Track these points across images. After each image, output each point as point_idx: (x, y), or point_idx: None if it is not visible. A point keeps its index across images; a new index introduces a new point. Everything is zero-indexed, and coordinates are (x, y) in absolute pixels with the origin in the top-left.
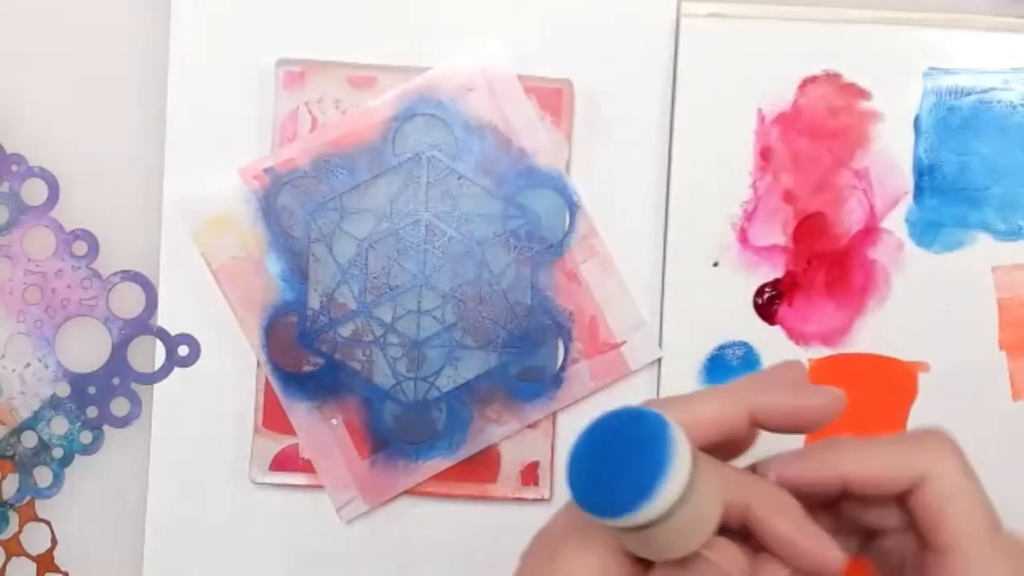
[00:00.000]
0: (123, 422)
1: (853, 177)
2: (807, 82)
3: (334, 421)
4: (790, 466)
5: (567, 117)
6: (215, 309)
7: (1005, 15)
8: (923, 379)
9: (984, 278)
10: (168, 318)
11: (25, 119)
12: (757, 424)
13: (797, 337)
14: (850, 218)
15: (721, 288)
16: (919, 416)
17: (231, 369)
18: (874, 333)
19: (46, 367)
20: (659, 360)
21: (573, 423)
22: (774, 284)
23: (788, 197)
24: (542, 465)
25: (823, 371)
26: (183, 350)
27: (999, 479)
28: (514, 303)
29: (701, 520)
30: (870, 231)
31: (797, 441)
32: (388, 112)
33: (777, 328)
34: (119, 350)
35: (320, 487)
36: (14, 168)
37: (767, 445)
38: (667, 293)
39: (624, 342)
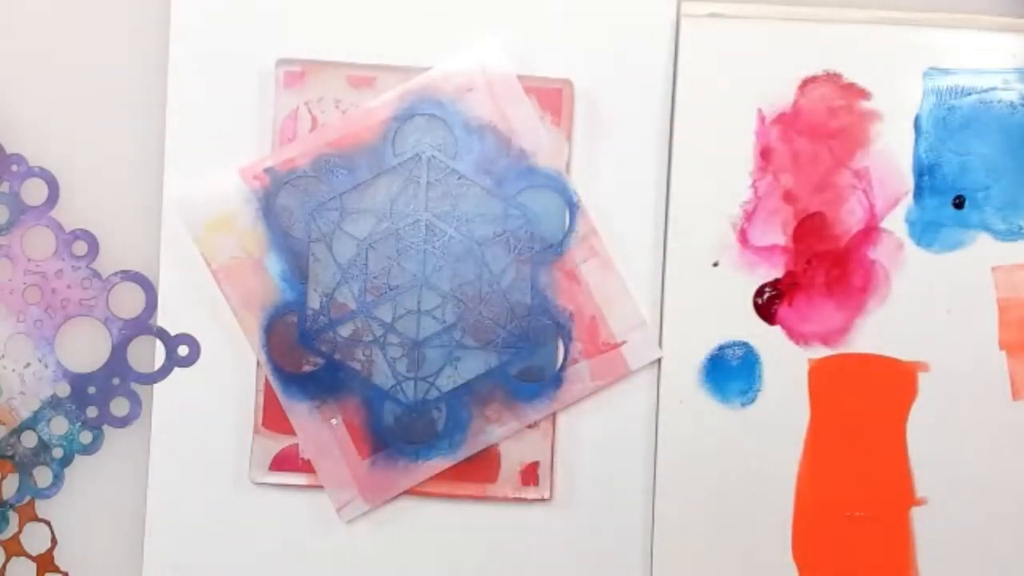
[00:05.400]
0: (123, 422)
1: (853, 177)
2: (807, 82)
3: (334, 421)
4: None
5: (567, 117)
6: (215, 309)
7: (1005, 15)
8: (923, 379)
9: (984, 278)
10: (168, 318)
11: (25, 119)
12: None
13: (797, 337)
14: (850, 218)
15: (721, 288)
16: (919, 416)
17: (231, 369)
18: (874, 333)
19: (46, 367)
20: (659, 360)
21: (573, 423)
22: (774, 284)
23: (788, 197)
24: (542, 465)
25: (823, 371)
26: (183, 350)
27: (998, 478)
28: (514, 303)
29: None
30: (870, 231)
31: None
32: (388, 112)
33: (777, 328)
34: (119, 350)
35: (320, 487)
36: (14, 168)
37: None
38: (667, 293)
39: (624, 342)
